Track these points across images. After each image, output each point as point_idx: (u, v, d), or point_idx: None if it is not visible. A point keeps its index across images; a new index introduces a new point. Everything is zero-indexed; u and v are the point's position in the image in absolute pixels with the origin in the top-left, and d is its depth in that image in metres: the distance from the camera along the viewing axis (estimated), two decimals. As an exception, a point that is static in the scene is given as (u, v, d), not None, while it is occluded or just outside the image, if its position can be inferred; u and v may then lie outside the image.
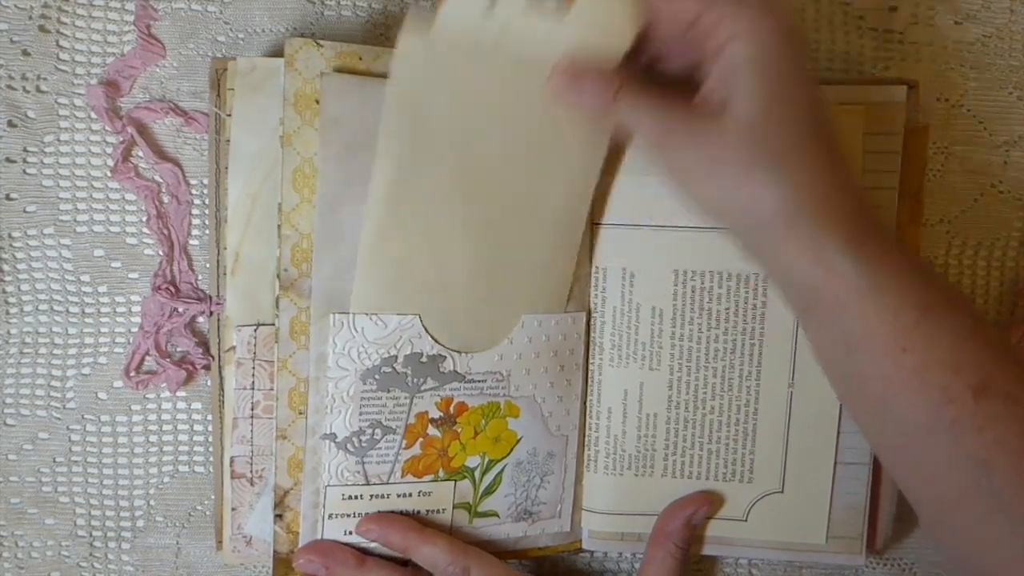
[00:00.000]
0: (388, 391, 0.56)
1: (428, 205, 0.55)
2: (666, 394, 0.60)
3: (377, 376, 0.56)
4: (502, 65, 0.53)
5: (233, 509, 0.58)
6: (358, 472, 0.57)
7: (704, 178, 0.49)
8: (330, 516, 0.57)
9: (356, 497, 0.57)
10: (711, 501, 0.61)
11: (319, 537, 0.57)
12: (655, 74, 0.54)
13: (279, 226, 0.54)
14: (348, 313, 0.55)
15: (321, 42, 0.54)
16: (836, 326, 0.48)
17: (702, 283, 0.59)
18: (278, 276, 0.54)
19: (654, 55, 0.53)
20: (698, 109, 0.49)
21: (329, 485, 0.56)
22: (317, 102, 0.54)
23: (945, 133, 0.62)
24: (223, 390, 0.57)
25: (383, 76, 0.54)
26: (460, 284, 0.57)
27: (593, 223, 0.60)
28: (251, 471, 0.58)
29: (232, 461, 0.57)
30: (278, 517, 0.56)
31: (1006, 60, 0.62)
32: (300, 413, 0.55)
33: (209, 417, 0.61)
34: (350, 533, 0.57)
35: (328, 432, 0.56)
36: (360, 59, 0.55)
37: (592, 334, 0.61)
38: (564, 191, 0.58)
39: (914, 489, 0.51)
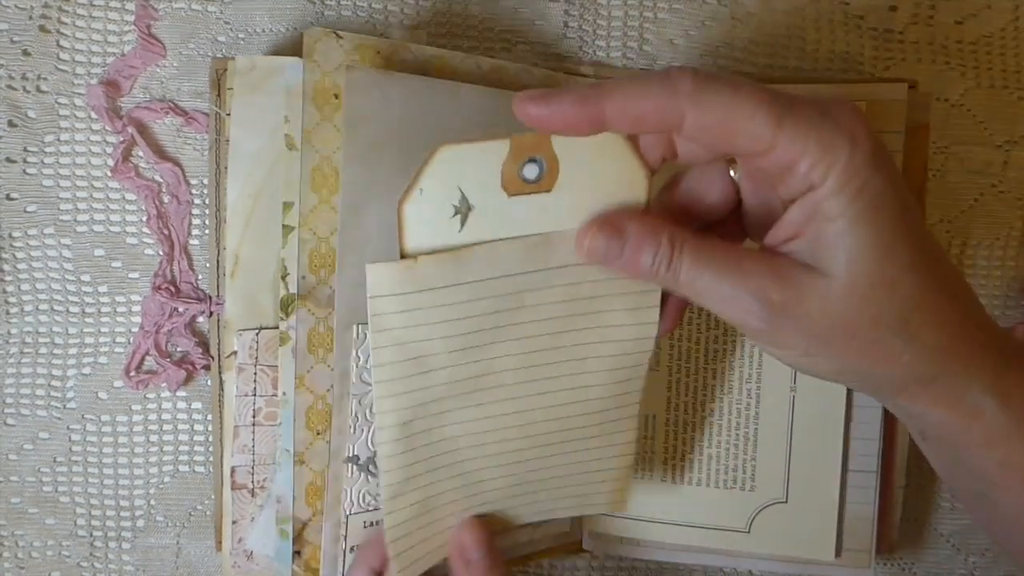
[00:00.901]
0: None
1: (449, 442, 0.48)
2: (665, 395, 0.60)
3: None
4: (498, 266, 0.45)
5: (234, 522, 0.57)
6: (380, 496, 0.52)
7: (813, 353, 0.42)
8: (351, 549, 0.54)
9: (377, 523, 0.54)
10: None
11: (341, 572, 0.53)
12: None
13: (285, 227, 0.53)
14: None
15: (341, 33, 0.51)
16: (969, 464, 0.44)
17: (702, 283, 0.59)
18: (283, 279, 0.53)
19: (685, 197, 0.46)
20: (783, 277, 0.41)
21: (352, 514, 0.53)
22: (336, 96, 0.51)
23: (945, 133, 0.62)
24: (223, 392, 0.57)
25: (403, 71, 0.52)
26: (501, 495, 0.52)
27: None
28: (252, 481, 0.57)
29: (233, 471, 0.56)
30: (296, 554, 0.53)
31: (1006, 60, 0.62)
32: (318, 434, 0.52)
33: (209, 417, 0.61)
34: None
35: (351, 455, 0.53)
36: (378, 52, 0.52)
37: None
38: (607, 393, 0.50)
39: None
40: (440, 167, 0.42)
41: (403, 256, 0.44)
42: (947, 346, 0.41)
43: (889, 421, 0.59)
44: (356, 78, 0.49)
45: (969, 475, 0.45)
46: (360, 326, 0.51)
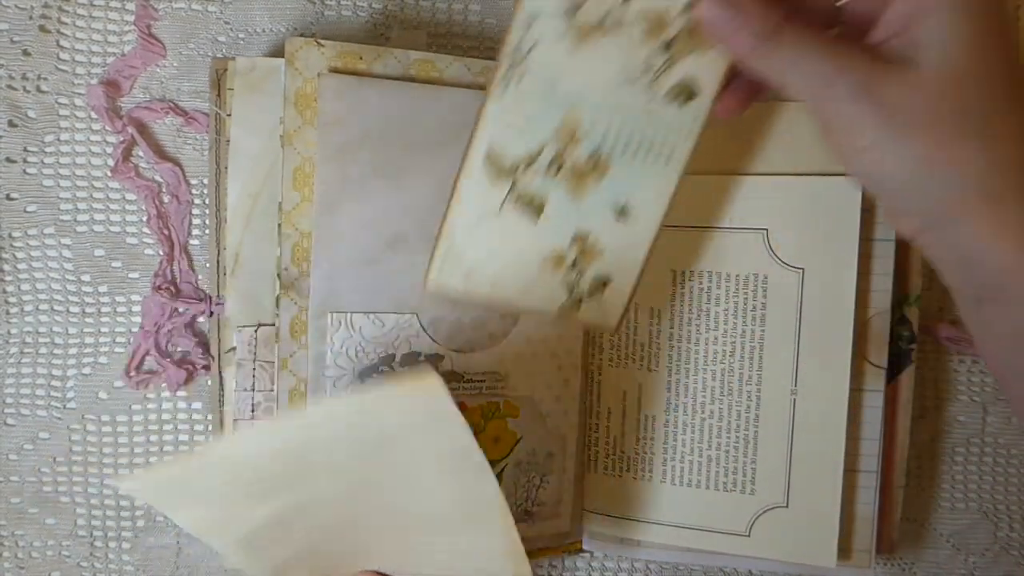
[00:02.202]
0: None
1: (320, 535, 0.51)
2: (664, 396, 0.60)
3: (375, 375, 0.56)
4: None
5: None
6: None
7: (886, 144, 0.41)
8: None
9: None
10: None
11: None
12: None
13: (279, 225, 0.54)
14: (346, 312, 0.55)
15: (322, 41, 0.54)
16: None
17: (701, 284, 0.59)
18: (278, 275, 0.54)
19: None
20: (877, 57, 0.41)
21: None
22: (316, 101, 0.54)
23: (945, 133, 0.62)
24: (223, 390, 0.57)
25: (382, 77, 0.55)
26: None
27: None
28: None
29: None
30: None
31: (1006, 60, 0.62)
32: None
33: (209, 417, 0.61)
34: None
35: None
36: (361, 59, 0.55)
37: (591, 334, 0.61)
38: (457, 496, 0.50)
39: None
40: None
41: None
42: (1022, 166, 0.40)
43: (889, 421, 0.59)
44: (329, 84, 0.53)
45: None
46: (333, 314, 0.55)
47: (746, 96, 0.50)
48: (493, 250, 0.51)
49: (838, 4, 0.46)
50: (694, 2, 0.46)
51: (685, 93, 0.49)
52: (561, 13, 0.47)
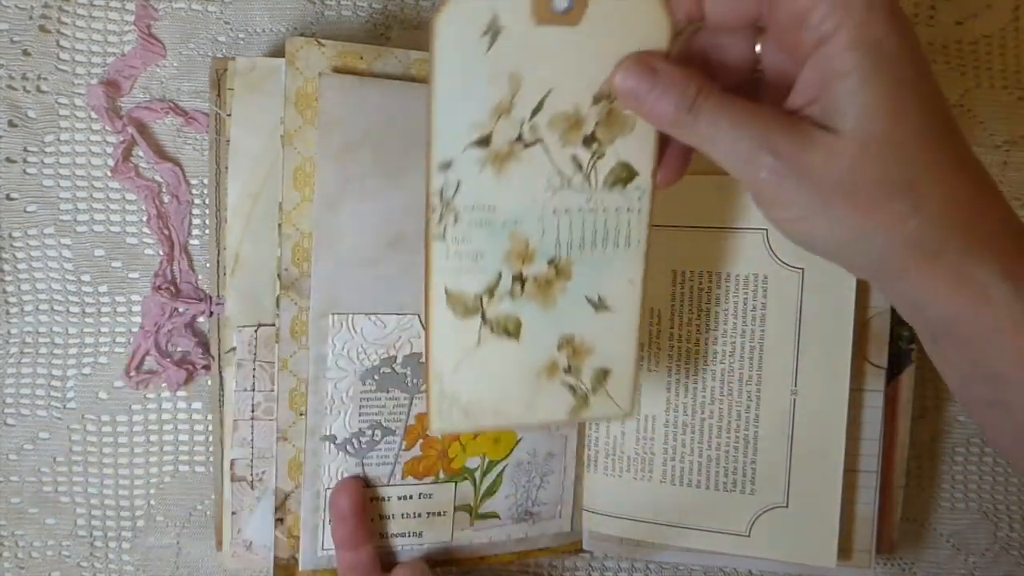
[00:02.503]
0: (387, 392, 0.56)
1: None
2: (664, 396, 0.60)
3: (376, 376, 0.56)
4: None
5: (233, 513, 0.57)
6: (358, 475, 0.57)
7: (814, 213, 0.40)
8: (331, 520, 0.57)
9: None
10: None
11: (320, 543, 0.57)
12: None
13: (279, 225, 0.54)
14: (347, 313, 0.55)
15: (323, 41, 0.54)
16: (979, 356, 0.42)
17: (701, 284, 0.59)
18: (279, 276, 0.54)
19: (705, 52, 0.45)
20: (796, 128, 0.40)
21: (329, 488, 0.56)
22: (317, 101, 0.54)
23: (945, 133, 0.62)
24: (223, 391, 0.57)
25: (383, 76, 0.54)
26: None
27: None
28: (251, 474, 0.57)
29: (232, 464, 0.57)
30: (279, 521, 0.56)
31: (1006, 60, 0.62)
32: (301, 414, 0.55)
33: (209, 417, 0.61)
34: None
35: (328, 434, 0.56)
36: (361, 59, 0.55)
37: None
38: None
39: None
40: None
41: (432, 68, 0.43)
42: (955, 217, 0.40)
43: (889, 421, 0.59)
44: (330, 84, 0.53)
45: (981, 378, 0.42)
46: (334, 315, 0.55)
47: (683, 162, 0.48)
48: (484, 382, 0.49)
49: (757, 68, 0.46)
50: (604, 89, 0.45)
51: (623, 177, 0.47)
52: (473, 150, 0.44)
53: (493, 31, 0.43)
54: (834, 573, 0.60)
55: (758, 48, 0.45)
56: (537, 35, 0.43)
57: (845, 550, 0.59)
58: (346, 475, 0.56)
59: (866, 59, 0.38)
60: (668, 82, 0.43)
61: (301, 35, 0.57)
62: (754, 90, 0.46)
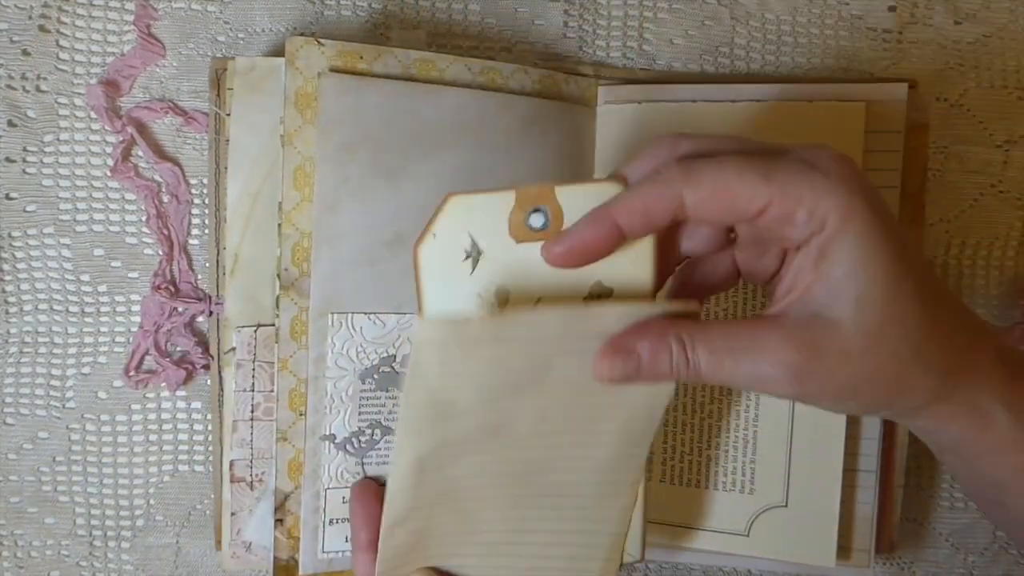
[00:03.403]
0: (387, 391, 0.56)
1: (456, 481, 0.48)
2: (664, 395, 0.60)
3: (376, 376, 0.56)
4: (534, 330, 0.43)
5: (232, 514, 0.57)
6: (358, 474, 0.56)
7: (845, 399, 0.43)
8: (331, 522, 0.56)
9: None
10: None
11: (320, 545, 0.56)
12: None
13: (279, 225, 0.54)
14: (346, 312, 0.55)
15: (323, 40, 0.54)
16: (983, 468, 0.46)
17: (701, 284, 0.59)
18: (278, 276, 0.54)
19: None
20: (796, 336, 0.42)
21: (329, 488, 0.56)
22: (318, 101, 0.54)
23: (945, 133, 0.62)
24: (222, 390, 0.57)
25: (383, 76, 0.54)
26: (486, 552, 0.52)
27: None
28: (251, 475, 0.57)
29: (232, 465, 0.57)
30: (278, 522, 0.55)
31: (1006, 60, 0.62)
32: (301, 414, 0.55)
33: (209, 416, 0.61)
34: (350, 539, 0.56)
35: (327, 433, 0.55)
36: (361, 58, 0.55)
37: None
38: (613, 454, 0.48)
39: None
40: (451, 215, 0.44)
41: (419, 295, 0.45)
42: (959, 366, 0.43)
43: (889, 421, 0.59)
44: (329, 83, 0.53)
45: (984, 483, 0.47)
46: (334, 315, 0.55)
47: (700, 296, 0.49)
48: None
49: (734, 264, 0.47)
50: (594, 367, 0.43)
51: None
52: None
53: (474, 255, 0.44)
54: (833, 573, 0.60)
55: (735, 252, 0.47)
56: (518, 252, 0.44)
57: (844, 550, 0.59)
58: (346, 475, 0.56)
59: (857, 245, 0.40)
60: (652, 351, 0.42)
61: (301, 35, 0.57)
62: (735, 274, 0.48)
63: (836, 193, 0.40)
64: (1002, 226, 0.63)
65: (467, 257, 0.44)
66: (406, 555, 0.50)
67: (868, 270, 0.40)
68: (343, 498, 0.56)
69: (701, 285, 0.48)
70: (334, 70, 0.54)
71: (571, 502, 0.50)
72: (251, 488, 0.57)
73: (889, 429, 0.59)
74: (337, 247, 0.54)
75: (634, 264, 0.45)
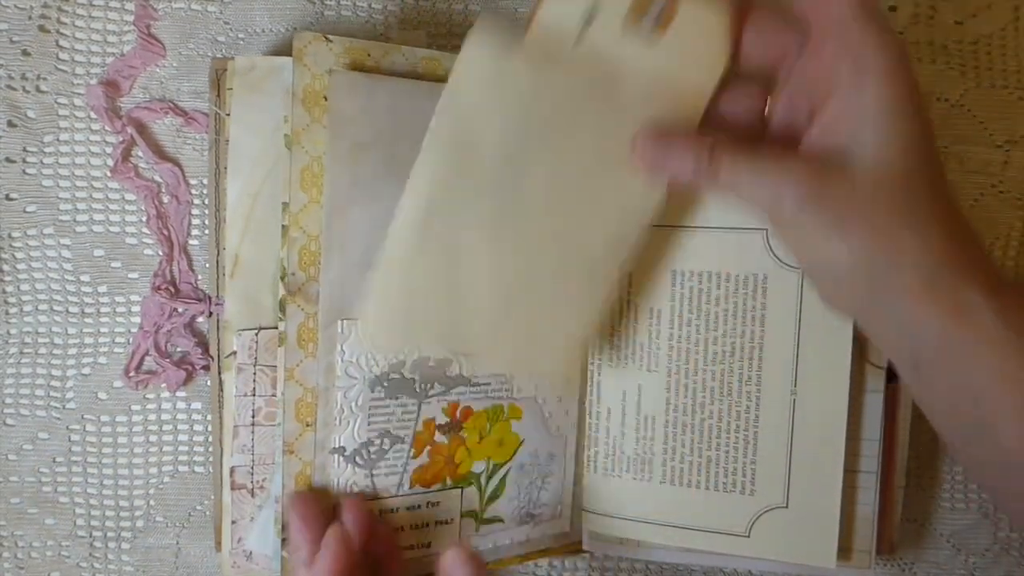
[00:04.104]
0: (396, 398, 0.56)
1: (463, 229, 0.52)
2: (664, 396, 0.60)
3: (386, 383, 0.55)
4: (573, 88, 0.50)
5: (233, 522, 0.57)
6: (368, 487, 0.56)
7: (832, 241, 0.45)
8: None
9: None
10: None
11: None
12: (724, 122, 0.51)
13: (284, 227, 0.53)
14: (356, 319, 0.54)
15: (331, 37, 0.53)
16: (962, 380, 0.45)
17: (700, 284, 0.59)
18: (283, 280, 0.53)
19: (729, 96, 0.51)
20: (812, 165, 0.46)
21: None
22: (326, 99, 0.53)
23: (945, 133, 0.62)
24: (222, 393, 0.57)
25: (392, 74, 0.54)
26: (479, 318, 0.54)
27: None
28: (252, 481, 0.56)
29: (232, 471, 0.56)
30: (285, 541, 0.54)
31: (1006, 60, 0.62)
32: (307, 425, 0.54)
33: (209, 417, 0.61)
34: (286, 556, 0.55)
35: (337, 446, 0.54)
36: (369, 55, 0.54)
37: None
38: (607, 232, 0.53)
39: None
40: None
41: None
42: (947, 247, 0.45)
43: (889, 421, 0.59)
44: (340, 81, 0.52)
45: (965, 400, 0.46)
46: (344, 322, 0.54)
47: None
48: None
49: (764, 118, 0.51)
50: (632, 144, 0.50)
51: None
52: None
53: (587, 22, 0.49)
54: (834, 574, 0.60)
55: (766, 109, 0.50)
56: (620, 40, 0.49)
57: (845, 551, 0.59)
58: (355, 488, 0.55)
59: (894, 105, 0.44)
60: (683, 145, 0.49)
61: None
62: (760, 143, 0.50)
63: (882, 45, 0.44)
64: (1002, 226, 0.63)
65: (581, 20, 0.49)
66: (398, 316, 0.52)
67: (897, 127, 0.44)
68: None
69: (724, 115, 0.51)
70: (342, 67, 0.53)
71: (551, 291, 0.54)
72: (252, 495, 0.57)
73: (890, 430, 0.59)
74: (347, 251, 0.53)
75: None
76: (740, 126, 0.51)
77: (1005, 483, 0.48)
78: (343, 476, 0.55)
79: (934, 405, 0.48)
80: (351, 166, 0.53)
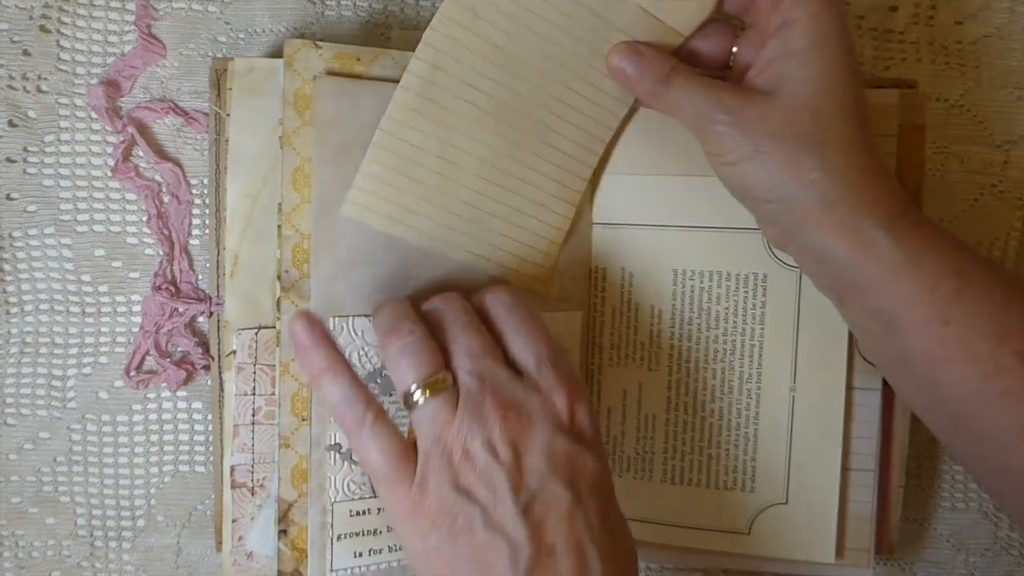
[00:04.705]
0: (390, 395, 0.56)
1: (453, 111, 0.55)
2: (665, 395, 0.60)
3: (379, 380, 0.55)
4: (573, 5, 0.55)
5: (234, 521, 0.57)
6: (364, 484, 0.56)
7: (748, 157, 0.50)
8: (339, 537, 0.55)
9: (364, 512, 0.56)
10: None
11: (329, 563, 0.55)
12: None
13: (279, 226, 0.54)
14: (348, 316, 0.54)
15: (320, 43, 0.54)
16: (876, 306, 0.49)
17: (701, 283, 0.59)
18: (279, 277, 0.54)
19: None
20: (742, 92, 0.51)
21: (336, 501, 0.55)
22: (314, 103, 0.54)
23: (945, 133, 0.62)
24: (223, 393, 0.57)
25: (379, 79, 0.55)
26: (458, 205, 0.56)
27: (593, 223, 0.60)
28: (252, 480, 0.57)
29: (232, 470, 0.56)
30: (282, 533, 0.55)
31: (1006, 60, 0.62)
32: (303, 419, 0.55)
33: (209, 417, 0.61)
34: (360, 555, 0.56)
35: (332, 443, 0.55)
36: (359, 60, 0.55)
37: (591, 334, 0.61)
38: (580, 136, 0.58)
39: (976, 463, 0.51)
40: None
41: None
42: (851, 179, 0.49)
43: (887, 420, 0.59)
44: (324, 86, 0.54)
45: (882, 330, 0.49)
46: (335, 318, 0.54)
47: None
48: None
49: (729, 64, 0.56)
50: (607, 56, 0.56)
51: None
52: None
53: None
54: (833, 573, 0.60)
55: (735, 49, 0.55)
56: None
57: (844, 550, 0.59)
58: (352, 486, 0.55)
59: (816, 43, 0.49)
60: (649, 61, 0.55)
61: (301, 36, 0.57)
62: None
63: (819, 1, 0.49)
64: (1002, 226, 0.63)
65: None
66: (381, 196, 0.55)
67: (816, 66, 0.49)
68: (351, 511, 0.55)
69: (694, 55, 0.57)
70: (331, 72, 0.54)
71: (533, 185, 0.58)
72: (252, 494, 0.57)
73: (887, 429, 0.59)
74: (336, 249, 0.54)
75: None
76: (707, 64, 0.56)
77: (932, 417, 0.51)
78: (339, 474, 0.55)
79: (867, 345, 0.52)
80: (338, 166, 0.54)
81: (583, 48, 0.56)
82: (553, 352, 0.50)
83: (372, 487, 0.56)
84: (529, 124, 0.57)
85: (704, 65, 0.56)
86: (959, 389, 0.47)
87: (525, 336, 0.50)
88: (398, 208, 0.55)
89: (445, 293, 0.52)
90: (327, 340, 0.50)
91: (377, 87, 0.55)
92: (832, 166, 0.48)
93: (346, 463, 0.55)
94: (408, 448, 0.48)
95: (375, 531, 0.56)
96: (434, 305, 0.52)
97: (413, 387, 0.48)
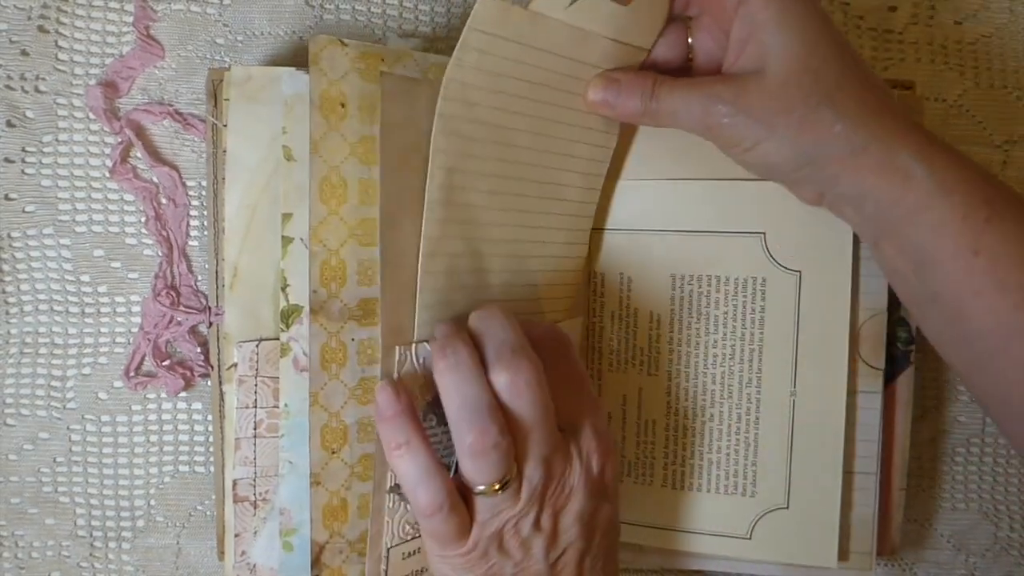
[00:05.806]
0: (444, 425, 0.50)
1: (474, 206, 0.53)
2: (665, 400, 0.60)
3: (437, 410, 0.50)
4: (555, 46, 0.53)
5: (236, 535, 0.55)
6: (416, 524, 0.52)
7: (765, 139, 0.50)
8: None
9: (415, 553, 0.54)
10: None
11: None
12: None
13: (284, 237, 0.51)
14: (411, 344, 0.51)
15: (346, 41, 0.49)
16: (910, 242, 0.50)
17: (700, 287, 0.59)
18: (283, 290, 0.51)
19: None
20: (732, 80, 0.51)
21: (392, 546, 0.52)
22: (343, 105, 0.49)
23: (944, 133, 0.62)
24: (223, 403, 0.56)
25: (404, 78, 0.52)
26: (494, 284, 0.55)
27: (592, 228, 0.60)
28: (254, 494, 0.55)
29: (235, 484, 0.54)
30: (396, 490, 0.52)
31: (1006, 60, 0.62)
32: (333, 453, 0.50)
33: (210, 417, 0.61)
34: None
35: (393, 484, 0.51)
36: (383, 60, 0.50)
37: (591, 339, 0.61)
38: (581, 180, 0.58)
39: (998, 401, 0.51)
40: None
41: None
42: (871, 119, 0.49)
43: (889, 423, 0.59)
44: (391, 85, 0.50)
45: (916, 270, 0.50)
46: (400, 348, 0.51)
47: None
48: None
49: (689, 58, 0.56)
50: (585, 91, 0.56)
51: None
52: None
53: None
54: (835, 575, 0.60)
55: (690, 40, 0.56)
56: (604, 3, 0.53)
57: (846, 552, 0.59)
58: (407, 527, 0.53)
59: (781, 11, 0.50)
60: (629, 84, 0.55)
61: (300, 39, 0.57)
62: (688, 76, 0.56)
63: None
64: (1002, 226, 0.63)
65: None
66: (442, 295, 0.53)
67: (789, 32, 0.50)
68: (403, 554, 0.53)
69: (652, 57, 0.57)
70: (358, 72, 0.50)
71: (549, 240, 0.58)
72: (254, 507, 0.55)
73: (889, 431, 0.59)
74: (401, 269, 0.51)
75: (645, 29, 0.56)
76: (670, 64, 0.56)
77: (968, 357, 0.51)
78: (396, 516, 0.52)
79: (895, 284, 0.53)
80: (402, 174, 0.50)
81: (564, 96, 0.55)
82: (599, 418, 0.51)
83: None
84: (538, 189, 0.56)
85: (667, 66, 0.57)
86: (986, 321, 0.48)
87: (577, 396, 0.51)
88: (449, 311, 0.53)
89: (515, 347, 0.49)
90: (410, 412, 0.48)
91: (425, 88, 0.51)
92: (850, 114, 0.49)
93: (402, 504, 0.52)
94: (469, 521, 0.49)
95: (422, 571, 0.55)
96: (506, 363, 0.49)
97: (482, 488, 0.48)
